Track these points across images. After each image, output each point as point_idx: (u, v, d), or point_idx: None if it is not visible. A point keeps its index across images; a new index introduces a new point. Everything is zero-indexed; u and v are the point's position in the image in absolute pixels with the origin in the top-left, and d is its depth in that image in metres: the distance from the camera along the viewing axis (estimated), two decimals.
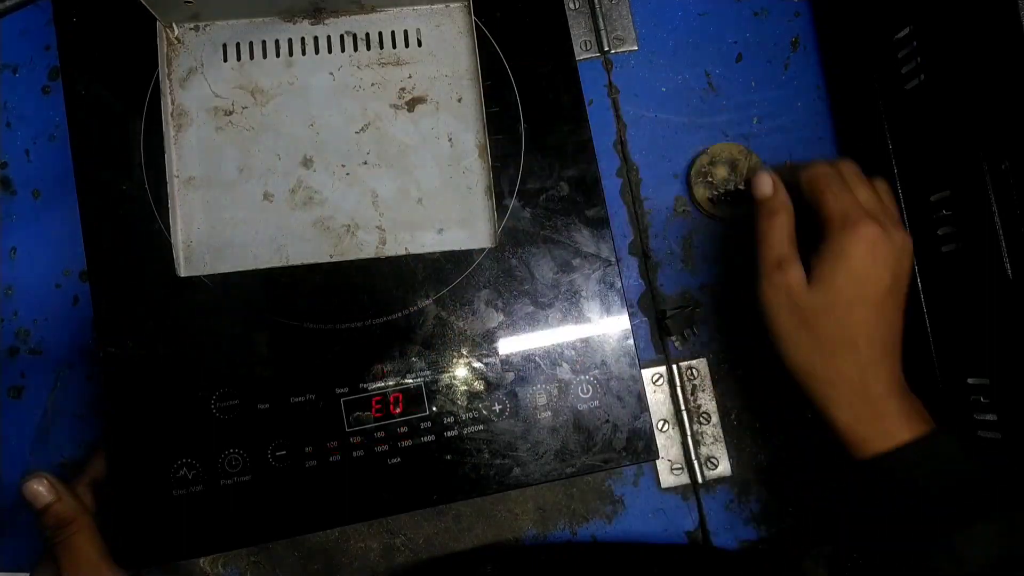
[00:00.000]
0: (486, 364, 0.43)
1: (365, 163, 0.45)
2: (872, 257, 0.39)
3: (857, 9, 0.48)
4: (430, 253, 0.44)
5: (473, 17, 0.45)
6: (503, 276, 0.44)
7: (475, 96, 0.45)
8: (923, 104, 0.44)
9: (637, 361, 0.44)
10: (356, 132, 0.45)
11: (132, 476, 0.42)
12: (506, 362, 0.43)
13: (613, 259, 0.44)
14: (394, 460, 0.42)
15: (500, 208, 0.44)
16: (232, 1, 0.43)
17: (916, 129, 0.45)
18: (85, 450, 0.49)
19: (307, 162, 0.44)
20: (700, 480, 0.50)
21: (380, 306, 0.43)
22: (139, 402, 0.42)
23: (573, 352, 0.44)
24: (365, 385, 0.43)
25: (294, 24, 0.45)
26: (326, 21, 0.45)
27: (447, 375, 0.43)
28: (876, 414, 0.39)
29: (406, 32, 0.45)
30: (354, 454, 0.42)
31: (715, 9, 0.53)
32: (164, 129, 0.43)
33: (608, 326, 0.44)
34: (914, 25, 0.44)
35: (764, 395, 0.51)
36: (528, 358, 0.44)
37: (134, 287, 0.43)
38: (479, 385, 0.43)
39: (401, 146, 0.45)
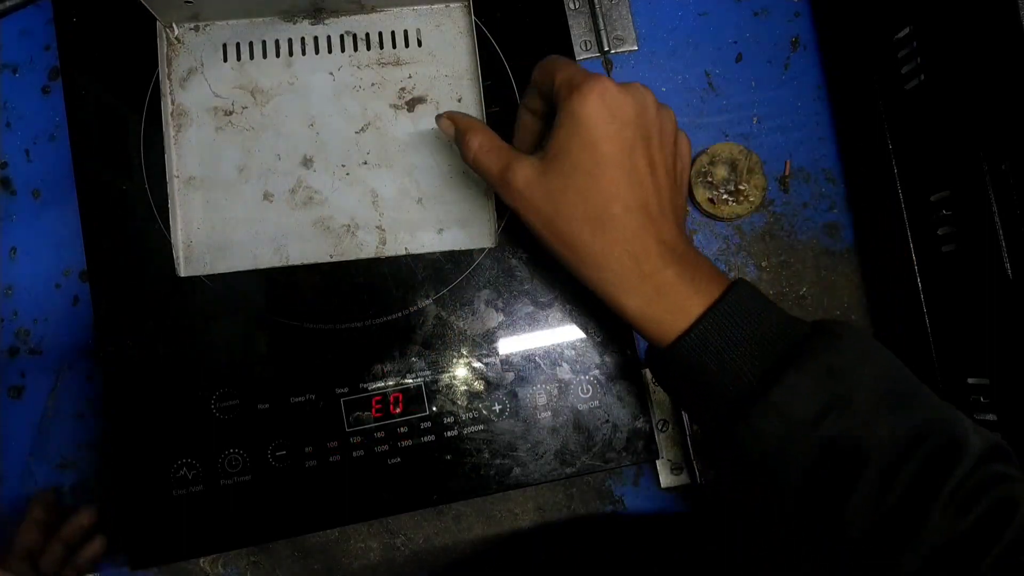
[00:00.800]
0: (486, 364, 0.43)
1: (365, 163, 0.44)
2: (606, 113, 0.34)
3: (857, 9, 0.48)
4: (430, 253, 0.44)
5: (473, 17, 0.45)
6: (503, 276, 0.44)
7: (475, 96, 0.45)
8: (923, 104, 0.44)
9: (637, 361, 0.44)
10: (356, 132, 0.45)
11: (132, 476, 0.42)
12: (506, 362, 0.43)
13: None
14: (394, 460, 0.42)
15: (500, 207, 0.44)
16: (232, 1, 0.43)
17: (916, 129, 0.45)
18: (85, 450, 0.49)
19: (307, 162, 0.44)
20: (700, 480, 0.50)
21: (380, 306, 0.43)
22: (139, 402, 0.42)
23: (573, 352, 0.44)
24: (365, 385, 0.43)
25: (294, 24, 0.45)
26: (326, 21, 0.45)
27: (447, 375, 0.43)
28: (658, 289, 0.34)
29: (406, 32, 0.45)
30: (354, 454, 0.42)
31: (715, 9, 0.53)
32: (164, 129, 0.43)
33: (608, 326, 0.44)
34: (914, 25, 0.44)
35: None
36: (528, 358, 0.44)
37: (134, 287, 0.43)
38: (479, 385, 0.43)
39: (401, 146, 0.45)
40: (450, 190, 0.45)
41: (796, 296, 0.51)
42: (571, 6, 0.52)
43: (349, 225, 0.44)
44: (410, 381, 0.43)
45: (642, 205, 0.35)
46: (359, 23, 0.45)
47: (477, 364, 0.43)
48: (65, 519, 0.46)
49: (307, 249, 0.44)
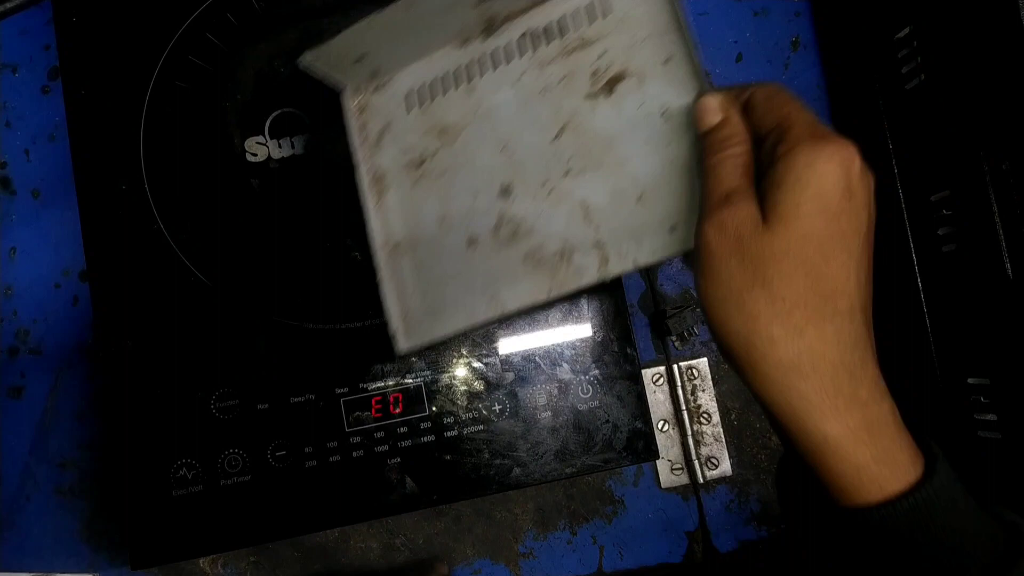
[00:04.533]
0: (486, 364, 0.43)
1: (568, 172, 0.38)
2: (848, 185, 0.28)
3: (857, 9, 0.48)
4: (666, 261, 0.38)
5: None
6: None
7: (684, 50, 0.36)
8: (923, 104, 0.44)
9: (637, 361, 0.44)
10: (551, 140, 0.39)
11: (132, 476, 0.42)
12: (506, 362, 0.43)
13: None
14: (394, 460, 0.42)
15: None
16: (406, 46, 0.41)
17: (916, 129, 0.45)
18: (85, 450, 0.49)
19: (505, 192, 0.39)
20: (700, 480, 0.50)
21: (380, 306, 0.43)
22: (139, 402, 0.42)
23: (573, 352, 0.44)
24: (365, 385, 0.43)
25: (468, 46, 0.41)
26: (500, 30, 0.40)
27: (447, 375, 0.43)
28: (869, 424, 0.27)
29: (590, 6, 0.39)
30: (354, 454, 0.42)
31: (715, 9, 0.53)
32: (363, 202, 0.41)
33: (608, 326, 0.44)
34: (914, 25, 0.44)
35: None
36: (528, 358, 0.44)
37: (134, 287, 0.43)
38: (479, 385, 0.43)
39: (606, 140, 0.38)
40: (675, 177, 0.36)
41: None
42: None
43: (562, 251, 0.38)
44: (410, 381, 0.43)
45: (864, 308, 0.28)
46: (534, 18, 0.40)
47: (477, 364, 0.43)
48: None
49: (521, 290, 0.39)
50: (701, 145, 0.32)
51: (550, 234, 0.38)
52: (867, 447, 0.27)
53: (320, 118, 0.46)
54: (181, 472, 0.42)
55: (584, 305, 0.44)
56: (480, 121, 0.41)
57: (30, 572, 0.48)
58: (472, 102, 0.41)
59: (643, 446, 0.43)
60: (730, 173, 0.30)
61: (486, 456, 0.43)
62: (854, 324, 0.27)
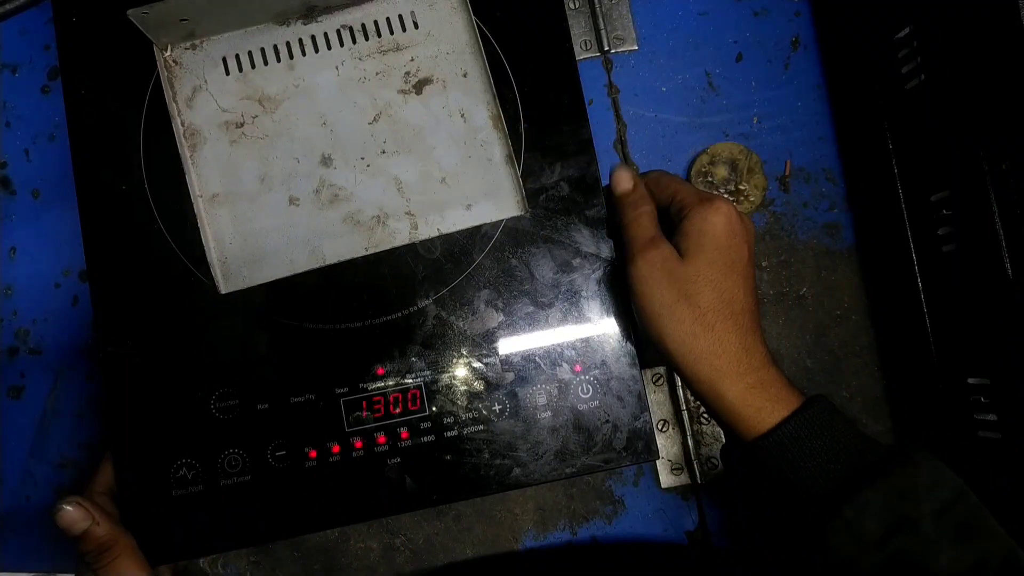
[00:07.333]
0: (486, 364, 0.43)
1: (383, 152, 0.44)
2: (731, 229, 0.40)
3: (857, 9, 0.48)
4: (461, 231, 0.44)
5: None
6: (503, 276, 0.44)
7: (479, 69, 0.45)
8: (923, 104, 0.44)
9: (637, 361, 0.44)
10: (369, 123, 0.45)
11: (132, 477, 0.42)
12: (506, 362, 0.43)
13: (613, 259, 0.44)
14: (394, 460, 0.42)
15: (525, 175, 0.44)
16: (225, 14, 0.43)
17: (916, 129, 0.45)
18: (85, 450, 0.49)
19: (326, 160, 0.44)
20: (700, 480, 0.50)
21: (380, 306, 0.43)
22: (139, 402, 0.42)
23: (573, 352, 0.44)
24: (365, 385, 0.43)
25: (288, 27, 0.45)
26: (319, 19, 0.45)
27: (447, 375, 0.43)
28: (763, 381, 0.38)
29: (400, 17, 0.45)
30: (354, 454, 0.42)
31: (715, 9, 0.53)
32: (179, 151, 0.43)
33: (608, 326, 0.44)
34: (914, 25, 0.44)
35: None
36: (528, 358, 0.44)
37: (134, 287, 0.43)
38: (479, 385, 0.43)
39: (416, 129, 0.45)
40: (472, 166, 0.44)
41: (796, 296, 0.51)
42: (571, 6, 0.52)
43: (379, 216, 0.44)
44: (410, 381, 0.43)
45: (752, 310, 0.40)
46: (352, 16, 0.45)
47: (477, 364, 0.43)
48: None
49: (341, 246, 0.44)
50: (617, 204, 0.43)
51: (367, 201, 0.44)
52: (760, 395, 0.38)
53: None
54: (181, 472, 0.42)
55: (584, 305, 0.44)
56: (301, 96, 0.45)
57: (30, 572, 0.48)
58: (293, 77, 0.45)
59: (643, 446, 0.43)
60: (647, 225, 0.42)
61: (486, 456, 0.43)
62: (746, 319, 0.39)
